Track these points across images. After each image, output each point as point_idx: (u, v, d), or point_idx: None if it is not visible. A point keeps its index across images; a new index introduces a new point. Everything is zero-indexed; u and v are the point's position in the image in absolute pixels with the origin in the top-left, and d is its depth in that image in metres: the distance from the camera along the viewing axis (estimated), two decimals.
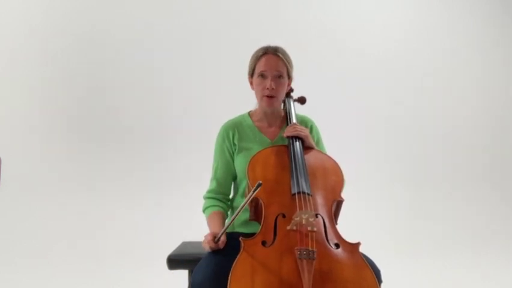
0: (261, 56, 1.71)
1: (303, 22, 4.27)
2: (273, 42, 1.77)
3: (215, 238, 1.50)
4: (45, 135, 3.90)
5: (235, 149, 1.76)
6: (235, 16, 4.18)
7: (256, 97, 1.77)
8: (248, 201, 1.38)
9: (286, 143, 1.69)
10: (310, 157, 1.65)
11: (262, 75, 1.70)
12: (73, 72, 3.98)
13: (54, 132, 3.92)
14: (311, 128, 1.84)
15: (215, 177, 1.78)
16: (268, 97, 1.70)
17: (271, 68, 1.69)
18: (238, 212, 1.39)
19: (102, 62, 4.02)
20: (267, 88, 1.69)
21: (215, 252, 1.51)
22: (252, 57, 1.76)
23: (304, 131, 1.69)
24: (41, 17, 3.94)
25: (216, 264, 1.45)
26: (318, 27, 4.30)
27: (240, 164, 1.71)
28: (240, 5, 4.20)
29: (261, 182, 1.31)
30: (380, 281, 1.44)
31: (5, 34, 3.87)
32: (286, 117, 1.82)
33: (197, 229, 1.95)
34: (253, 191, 1.32)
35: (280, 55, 1.71)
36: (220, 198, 1.76)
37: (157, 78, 4.06)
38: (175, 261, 1.81)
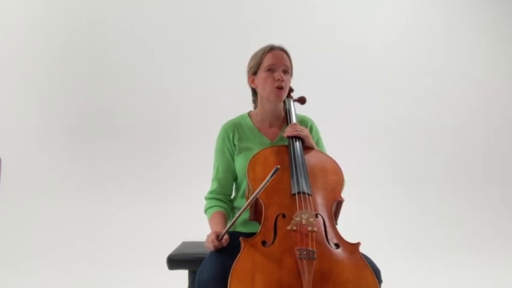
0: (268, 51, 1.72)
1: (302, 22, 4.27)
2: (273, 42, 1.77)
3: (218, 237, 1.50)
4: (45, 135, 3.90)
5: (235, 150, 1.76)
6: (236, 16, 4.18)
7: (263, 92, 1.74)
8: (263, 189, 1.38)
9: (286, 143, 1.69)
10: (311, 157, 1.65)
11: (271, 69, 1.70)
12: (73, 73, 3.98)
13: (54, 132, 3.92)
14: (311, 127, 1.84)
15: (216, 178, 1.77)
16: (279, 88, 1.70)
17: (280, 61, 1.70)
18: (246, 206, 1.40)
19: (102, 62, 4.02)
20: (278, 79, 1.68)
21: (219, 251, 1.51)
22: (256, 54, 1.75)
23: (304, 131, 1.69)
24: (40, 15, 3.94)
25: (221, 263, 1.45)
26: (317, 27, 4.30)
27: (240, 164, 1.71)
28: (239, 5, 4.20)
29: (279, 166, 1.33)
30: (380, 281, 1.44)
31: (4, 33, 3.87)
32: (286, 118, 1.81)
33: (197, 229, 1.96)
34: (271, 175, 1.33)
35: (287, 52, 1.74)
36: (222, 198, 1.76)
37: (158, 78, 4.06)
38: (175, 261, 1.80)
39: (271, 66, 1.70)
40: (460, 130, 4.57)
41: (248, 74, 1.78)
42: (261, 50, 1.75)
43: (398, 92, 4.45)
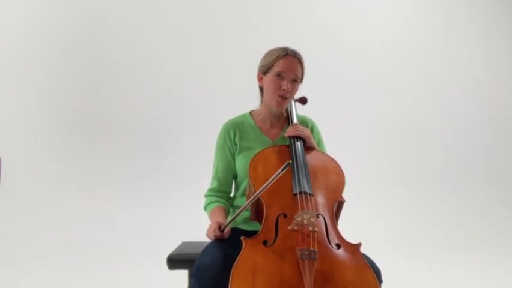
0: (283, 56, 1.68)
1: (302, 22, 4.27)
2: (273, 42, 1.77)
3: (220, 227, 1.51)
4: (45, 135, 3.89)
5: (236, 149, 1.76)
6: (236, 16, 4.17)
7: (266, 95, 1.74)
8: (274, 180, 1.39)
9: (287, 143, 1.69)
10: (312, 157, 1.65)
11: (280, 75, 1.68)
12: (73, 73, 3.97)
13: (54, 132, 3.91)
14: (312, 128, 1.84)
15: (216, 177, 1.78)
16: (282, 98, 1.70)
17: (291, 70, 1.68)
18: (254, 198, 1.41)
19: (103, 62, 4.01)
20: (283, 89, 1.67)
21: (220, 241, 1.52)
22: (270, 54, 1.72)
23: (305, 131, 1.70)
24: (40, 15, 3.94)
25: (222, 249, 1.46)
26: (317, 27, 4.30)
27: (241, 163, 1.71)
28: (239, 5, 4.20)
29: (290, 161, 1.35)
30: (380, 281, 1.44)
31: (4, 33, 3.86)
32: (287, 118, 1.82)
33: (197, 229, 1.95)
34: (283, 169, 1.35)
35: (300, 59, 1.71)
36: (221, 196, 1.77)
37: (158, 78, 4.06)
38: (175, 261, 1.80)
39: (280, 73, 1.68)
40: (460, 130, 4.57)
41: (258, 71, 1.76)
42: (276, 51, 1.72)
43: (398, 92, 4.45)
